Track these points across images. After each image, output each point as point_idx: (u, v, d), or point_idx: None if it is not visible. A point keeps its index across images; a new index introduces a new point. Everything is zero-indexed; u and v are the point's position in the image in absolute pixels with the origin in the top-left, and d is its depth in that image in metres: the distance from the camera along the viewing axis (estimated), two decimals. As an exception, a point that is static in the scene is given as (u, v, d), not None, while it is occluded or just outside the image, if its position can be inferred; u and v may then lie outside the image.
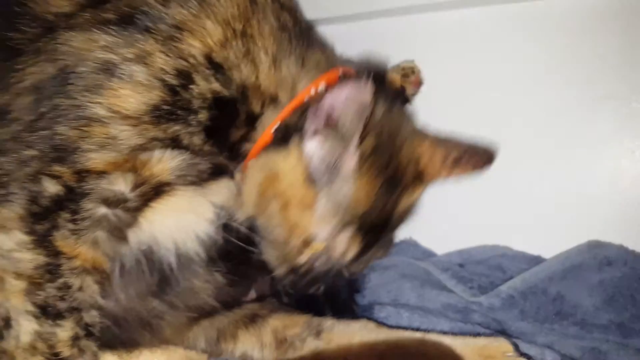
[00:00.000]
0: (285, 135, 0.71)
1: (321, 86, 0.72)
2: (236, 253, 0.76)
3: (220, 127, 0.68)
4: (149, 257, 0.69)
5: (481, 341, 0.72)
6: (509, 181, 0.97)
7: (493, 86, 1.00)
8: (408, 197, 0.78)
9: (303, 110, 0.71)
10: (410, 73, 1.02)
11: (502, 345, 0.67)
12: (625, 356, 0.76)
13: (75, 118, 0.61)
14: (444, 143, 0.80)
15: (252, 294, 0.88)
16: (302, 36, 0.76)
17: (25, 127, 0.63)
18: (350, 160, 0.69)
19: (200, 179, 0.68)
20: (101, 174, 0.61)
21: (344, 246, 0.73)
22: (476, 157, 0.80)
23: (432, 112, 0.96)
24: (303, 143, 0.70)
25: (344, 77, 0.74)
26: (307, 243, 0.72)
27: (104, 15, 0.66)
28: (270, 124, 0.71)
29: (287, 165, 0.70)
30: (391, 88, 1.00)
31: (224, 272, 0.78)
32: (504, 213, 1.00)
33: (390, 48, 1.08)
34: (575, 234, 0.92)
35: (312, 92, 0.72)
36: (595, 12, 0.91)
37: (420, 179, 0.78)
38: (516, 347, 0.69)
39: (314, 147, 0.69)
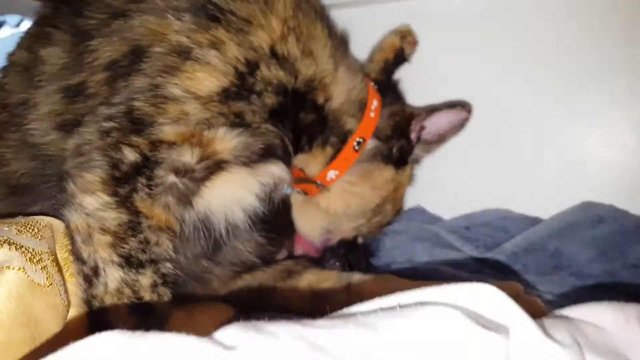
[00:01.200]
0: (401, 158, 0.95)
1: (375, 102, 0.90)
2: (272, 217, 0.84)
3: (287, 112, 0.76)
4: (204, 224, 0.74)
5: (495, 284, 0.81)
6: (508, 150, 1.07)
7: (496, 64, 1.07)
8: None
9: (399, 133, 0.93)
10: (407, 34, 1.09)
11: (514, 286, 0.75)
12: (615, 296, 0.86)
13: (153, 96, 0.67)
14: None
15: (284, 253, 0.97)
16: (340, 37, 0.88)
17: (102, 102, 0.69)
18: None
19: (252, 160, 0.73)
20: (172, 144, 0.66)
21: None
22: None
23: (441, 81, 1.07)
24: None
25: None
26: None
27: (174, 2, 0.71)
28: (350, 139, 0.87)
29: (404, 177, 0.98)
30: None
31: (263, 233, 0.85)
32: (504, 179, 1.08)
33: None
34: (569, 196, 1.00)
35: (373, 108, 0.89)
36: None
37: None
38: (526, 288, 0.78)
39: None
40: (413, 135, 0.97)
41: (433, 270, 0.98)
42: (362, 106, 0.89)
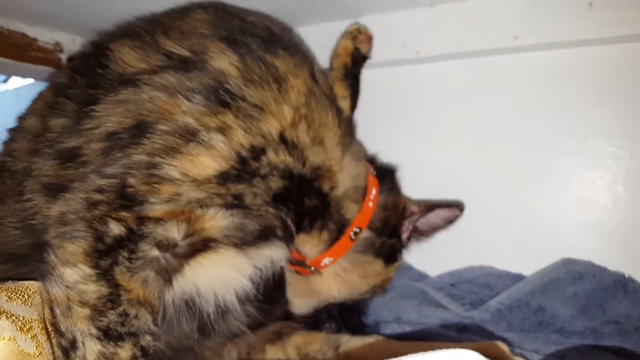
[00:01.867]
0: (392, 254, 0.96)
1: (374, 191, 0.92)
2: (265, 289, 0.84)
3: (292, 196, 0.76)
4: (191, 306, 0.74)
5: (480, 345, 0.82)
6: (490, 210, 1.10)
7: (477, 128, 1.13)
8: None
9: (391, 228, 0.94)
10: (358, 34, 1.09)
11: (500, 347, 0.76)
12: (599, 355, 0.87)
13: (147, 175, 0.66)
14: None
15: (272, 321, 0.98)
16: (347, 122, 0.90)
17: (94, 170, 0.68)
18: None
19: (244, 242, 0.72)
20: (159, 220, 0.66)
21: None
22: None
23: (422, 144, 1.11)
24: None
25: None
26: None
27: (188, 83, 0.71)
28: (348, 229, 0.88)
29: (393, 270, 0.99)
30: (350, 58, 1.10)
31: (255, 304, 0.85)
32: (487, 238, 1.11)
33: (385, 96, 1.23)
34: (550, 253, 1.02)
35: (372, 198, 0.91)
36: (558, 66, 1.04)
37: None
38: (511, 349, 0.79)
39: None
40: (405, 235, 0.98)
41: (421, 330, 0.99)
42: (363, 194, 0.90)
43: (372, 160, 1.01)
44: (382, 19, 1.17)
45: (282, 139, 0.74)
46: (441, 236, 1.10)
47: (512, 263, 1.08)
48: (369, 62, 1.20)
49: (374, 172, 0.95)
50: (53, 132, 0.76)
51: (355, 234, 0.88)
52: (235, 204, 0.70)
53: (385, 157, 1.12)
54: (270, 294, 0.87)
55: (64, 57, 1.26)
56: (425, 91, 1.20)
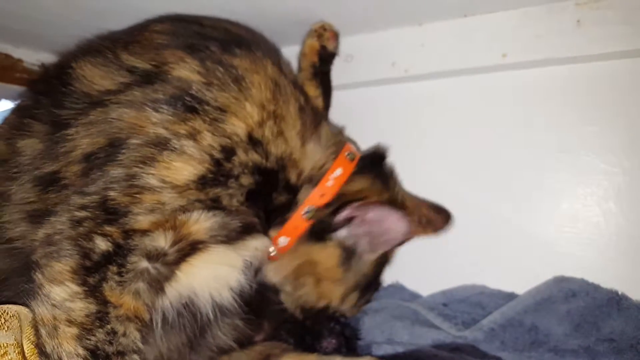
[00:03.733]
0: (320, 232, 0.88)
1: (339, 171, 0.87)
2: (253, 300, 0.83)
3: (263, 192, 0.78)
4: (189, 309, 0.73)
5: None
6: (481, 228, 1.09)
7: (467, 145, 1.13)
8: (392, 253, 0.98)
9: (334, 208, 0.87)
10: (322, 31, 1.08)
11: None
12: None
13: (128, 186, 0.67)
14: (419, 205, 0.97)
15: (261, 335, 0.96)
16: (313, 112, 0.89)
17: (75, 191, 0.68)
18: (372, 256, 0.92)
19: (230, 238, 0.73)
20: (146, 232, 0.66)
21: (351, 302, 0.95)
22: (440, 218, 0.97)
23: (412, 163, 1.09)
24: (337, 239, 0.89)
25: (357, 164, 0.91)
26: (329, 302, 0.92)
27: (153, 95, 0.72)
28: (298, 209, 0.85)
29: (324, 255, 0.90)
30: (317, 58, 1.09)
31: (242, 316, 0.84)
32: (479, 256, 1.10)
33: (375, 115, 1.22)
34: (542, 271, 1.01)
35: (333, 177, 0.86)
36: (547, 83, 1.05)
37: None
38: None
39: (348, 242, 0.90)
40: (339, 217, 0.88)
41: (413, 351, 0.97)
42: (321, 175, 0.87)
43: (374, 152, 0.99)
44: (371, 38, 1.18)
45: (250, 137, 0.75)
46: (433, 255, 1.11)
47: (504, 281, 1.06)
48: (358, 80, 1.21)
49: (350, 156, 0.90)
50: (24, 154, 0.76)
51: (309, 212, 0.85)
52: (214, 206, 0.71)
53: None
54: (257, 306, 0.86)
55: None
56: (414, 109, 1.20)
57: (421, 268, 1.13)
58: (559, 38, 0.99)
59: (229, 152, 0.73)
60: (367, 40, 1.17)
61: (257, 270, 0.82)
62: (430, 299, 1.12)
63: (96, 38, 0.91)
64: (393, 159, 1.19)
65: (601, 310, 0.93)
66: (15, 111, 0.87)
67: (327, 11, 1.07)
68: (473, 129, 1.13)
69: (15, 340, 0.59)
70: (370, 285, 0.98)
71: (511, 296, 1.04)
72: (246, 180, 0.75)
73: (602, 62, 1.00)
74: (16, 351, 0.57)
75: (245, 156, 0.74)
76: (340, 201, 0.88)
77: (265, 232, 0.80)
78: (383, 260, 0.97)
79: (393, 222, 0.87)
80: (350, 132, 1.17)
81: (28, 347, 0.61)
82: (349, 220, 0.88)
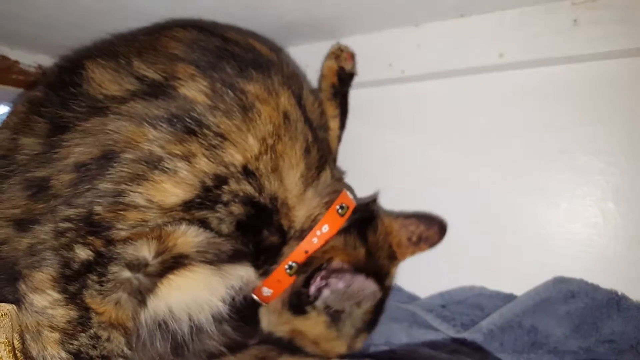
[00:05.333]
0: (298, 305, 0.86)
1: (325, 228, 0.84)
2: (242, 305, 0.83)
3: (253, 225, 0.75)
4: (164, 328, 0.73)
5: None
6: (479, 229, 1.08)
7: (464, 146, 1.12)
8: (390, 279, 0.96)
9: (306, 275, 0.84)
10: (339, 52, 1.10)
11: None
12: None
13: (113, 202, 0.66)
14: (406, 225, 0.95)
15: (255, 338, 0.95)
16: (319, 153, 0.85)
17: (62, 202, 0.68)
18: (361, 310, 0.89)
19: (219, 260, 0.72)
20: (128, 240, 0.66)
21: (363, 340, 0.94)
22: (433, 231, 0.96)
23: (409, 163, 1.08)
24: (318, 307, 0.86)
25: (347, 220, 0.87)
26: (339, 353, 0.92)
27: (155, 112, 0.70)
28: (281, 263, 0.83)
29: (309, 325, 0.88)
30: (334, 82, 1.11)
31: (231, 323, 0.84)
32: (477, 257, 1.09)
33: (371, 116, 1.22)
34: (540, 272, 1.00)
35: (319, 234, 0.83)
36: (544, 83, 1.04)
37: (395, 259, 0.95)
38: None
39: (330, 307, 0.86)
40: (312, 288, 0.85)
41: (412, 352, 0.96)
42: (309, 229, 0.84)
43: (368, 204, 0.95)
44: (368, 39, 1.17)
45: (245, 170, 0.73)
46: (430, 257, 1.08)
47: (503, 282, 1.05)
48: (355, 81, 1.20)
49: (341, 210, 0.87)
50: (22, 152, 0.75)
51: (291, 268, 0.83)
52: (203, 226, 0.70)
53: (371, 177, 1.11)
54: (247, 312, 0.85)
55: (47, 79, 1.26)
56: (411, 110, 1.19)
57: (419, 269, 1.11)
58: (556, 38, 0.99)
59: (221, 180, 0.71)
60: (364, 41, 1.17)
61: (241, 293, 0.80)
62: (428, 301, 1.11)
63: (115, 38, 0.90)
64: (391, 161, 1.19)
65: (601, 311, 0.92)
66: (25, 103, 0.85)
67: (323, 12, 1.06)
68: (470, 130, 1.12)
69: (6, 338, 0.58)
70: (375, 320, 0.95)
71: (510, 297, 1.03)
72: (236, 209, 0.73)
73: (599, 61, 0.99)
74: (7, 349, 0.57)
75: (236, 185, 0.72)
76: (312, 266, 0.85)
77: (254, 263, 0.79)
78: (381, 298, 0.92)
79: (359, 285, 0.83)
80: (348, 133, 1.17)
81: (19, 346, 0.61)
82: (320, 290, 0.85)
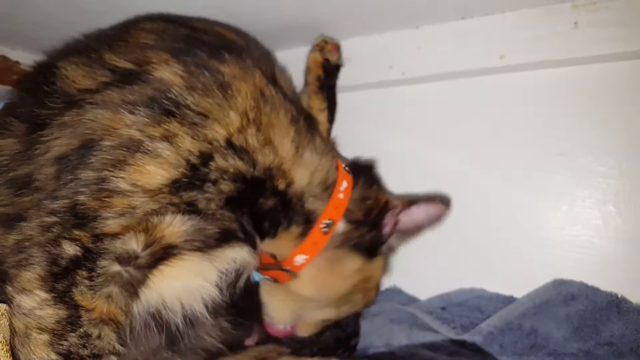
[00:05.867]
0: (373, 248, 0.90)
1: (345, 184, 0.88)
2: (239, 300, 0.82)
3: (246, 198, 0.75)
4: (157, 318, 0.72)
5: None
6: (480, 231, 1.08)
7: (465, 148, 1.12)
8: None
9: (372, 221, 0.90)
10: (324, 44, 1.10)
11: None
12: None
13: (97, 190, 0.65)
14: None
15: (254, 338, 0.94)
16: (307, 122, 0.86)
17: (47, 195, 0.67)
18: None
19: (207, 245, 0.71)
20: (116, 235, 0.64)
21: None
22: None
23: (409, 165, 1.09)
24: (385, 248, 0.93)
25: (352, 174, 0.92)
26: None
27: (130, 97, 0.70)
28: (317, 221, 0.84)
29: (377, 268, 0.94)
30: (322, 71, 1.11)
31: (228, 318, 0.83)
32: (477, 259, 1.09)
33: (372, 118, 1.22)
34: (540, 274, 1.00)
35: (342, 189, 0.87)
36: (545, 85, 1.05)
37: None
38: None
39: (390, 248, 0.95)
40: (387, 229, 0.92)
41: (411, 354, 0.96)
42: (329, 187, 0.86)
43: (354, 162, 0.99)
44: (369, 41, 1.18)
45: (230, 144, 0.73)
46: (430, 258, 1.09)
47: (503, 284, 1.05)
48: (355, 83, 1.20)
49: (347, 168, 0.92)
50: (2, 154, 0.75)
51: (328, 226, 0.84)
52: (190, 210, 0.69)
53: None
54: (244, 306, 0.84)
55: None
56: (411, 112, 1.19)
57: (419, 271, 1.12)
58: (556, 40, 0.99)
59: (207, 157, 0.70)
60: (364, 43, 1.17)
61: (240, 276, 0.79)
62: (428, 303, 1.11)
63: (85, 37, 0.90)
64: (390, 162, 1.19)
65: (601, 314, 0.92)
66: (3, 109, 0.86)
67: (324, 14, 1.06)
68: (471, 132, 1.12)
69: (3, 338, 0.58)
70: None
71: (510, 299, 1.03)
72: (226, 186, 0.72)
73: (600, 64, 0.99)
74: (4, 349, 0.56)
75: (224, 161, 0.72)
76: (372, 215, 0.90)
77: (249, 240, 0.78)
78: None
79: (434, 211, 0.91)
80: (347, 135, 1.17)
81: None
82: (392, 232, 0.92)
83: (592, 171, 1.01)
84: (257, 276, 0.90)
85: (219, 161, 0.71)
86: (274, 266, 0.86)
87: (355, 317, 1.00)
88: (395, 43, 1.15)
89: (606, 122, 1.00)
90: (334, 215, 0.85)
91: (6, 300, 0.63)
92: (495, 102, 1.10)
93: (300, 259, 0.85)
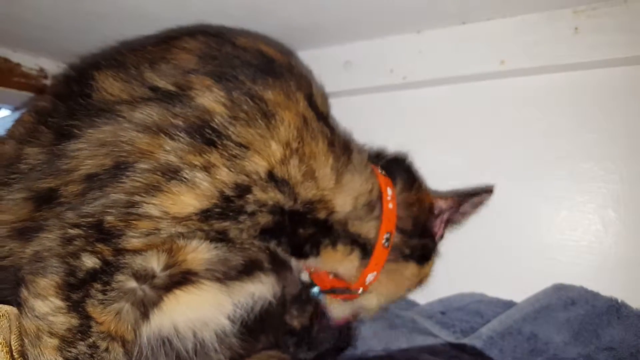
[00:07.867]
0: (428, 255, 0.94)
1: (390, 191, 0.88)
2: (250, 323, 0.81)
3: (283, 229, 0.74)
4: (167, 345, 0.71)
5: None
6: (480, 236, 1.07)
7: (465, 153, 1.13)
8: None
9: (421, 229, 0.92)
10: None
11: None
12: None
13: (126, 213, 0.64)
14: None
15: (258, 346, 0.94)
16: (340, 142, 0.84)
17: (71, 208, 0.66)
18: None
19: (227, 277, 0.71)
20: (139, 251, 0.64)
21: None
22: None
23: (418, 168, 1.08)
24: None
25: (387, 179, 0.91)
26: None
27: (173, 121, 0.68)
28: (378, 241, 0.85)
29: (429, 268, 0.98)
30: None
31: (237, 334, 0.81)
32: (477, 264, 1.09)
33: (373, 122, 1.22)
34: (540, 279, 1.00)
35: (389, 199, 0.87)
36: (545, 90, 1.05)
37: None
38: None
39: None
40: (437, 235, 0.95)
41: (411, 358, 0.96)
42: (376, 204, 0.85)
43: (378, 157, 0.98)
44: (370, 45, 1.18)
45: (271, 176, 0.71)
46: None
47: (503, 289, 1.05)
48: (357, 87, 1.21)
49: (383, 171, 0.91)
50: (25, 162, 0.73)
51: (387, 240, 0.85)
52: (219, 238, 0.68)
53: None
54: (254, 326, 0.82)
55: (48, 83, 1.26)
56: (412, 116, 1.20)
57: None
58: (557, 45, 0.99)
59: (243, 189, 0.69)
60: (366, 47, 1.17)
61: (255, 306, 0.78)
62: (427, 307, 1.11)
63: (122, 47, 0.88)
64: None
65: (601, 319, 0.92)
66: (32, 113, 0.83)
67: (326, 19, 1.07)
68: (471, 136, 1.12)
69: (3, 339, 0.58)
70: None
71: (510, 304, 1.03)
72: (263, 218, 0.71)
73: (600, 69, 0.99)
74: (4, 350, 0.56)
75: (263, 194, 0.70)
76: (420, 221, 0.92)
77: (278, 267, 0.78)
78: None
79: (479, 200, 0.95)
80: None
81: (16, 348, 0.61)
82: (442, 235, 0.97)
83: (592, 176, 1.01)
84: (317, 291, 0.93)
85: (258, 194, 0.70)
86: (345, 290, 0.89)
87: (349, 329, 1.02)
88: (396, 47, 1.15)
89: (606, 127, 1.00)
90: (389, 227, 0.86)
91: (19, 302, 0.64)
92: (495, 107, 1.10)
93: (371, 276, 0.87)
